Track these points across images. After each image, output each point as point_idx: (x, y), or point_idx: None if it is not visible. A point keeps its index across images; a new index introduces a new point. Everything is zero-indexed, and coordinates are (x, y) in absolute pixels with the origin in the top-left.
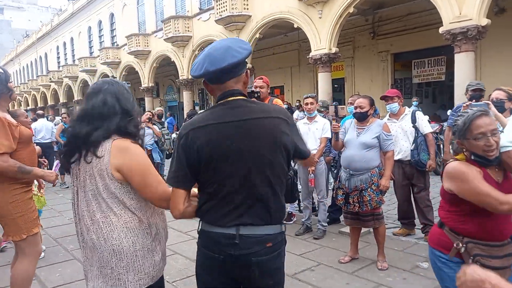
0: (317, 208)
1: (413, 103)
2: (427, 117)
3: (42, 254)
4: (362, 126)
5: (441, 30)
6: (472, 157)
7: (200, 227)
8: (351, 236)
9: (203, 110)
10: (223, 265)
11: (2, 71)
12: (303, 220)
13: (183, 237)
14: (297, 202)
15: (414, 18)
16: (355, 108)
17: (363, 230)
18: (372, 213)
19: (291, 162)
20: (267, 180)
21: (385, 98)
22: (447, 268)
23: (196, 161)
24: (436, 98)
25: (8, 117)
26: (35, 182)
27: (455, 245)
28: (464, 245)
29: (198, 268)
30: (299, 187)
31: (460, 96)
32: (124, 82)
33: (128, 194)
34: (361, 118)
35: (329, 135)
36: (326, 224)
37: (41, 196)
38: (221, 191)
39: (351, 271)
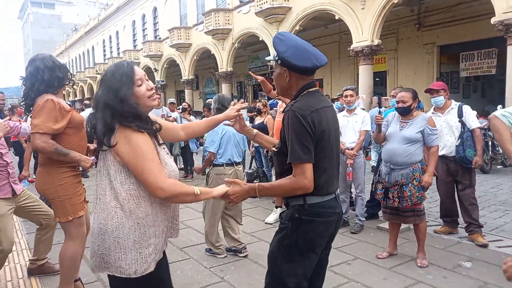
0: (355, 203)
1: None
2: (475, 112)
3: None
4: (406, 120)
5: (493, 20)
6: None
7: (309, 202)
8: (390, 232)
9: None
10: (334, 225)
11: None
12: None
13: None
14: None
15: (463, 8)
16: (397, 102)
17: (403, 226)
18: (412, 209)
19: None
20: (338, 155)
21: (430, 91)
22: None
23: (318, 138)
24: (485, 92)
25: (63, 102)
26: None
27: None
28: None
29: (311, 242)
30: None
31: None
32: (130, 61)
33: (122, 183)
34: (404, 112)
35: (369, 128)
36: (364, 219)
37: None
38: (330, 164)
39: (389, 267)
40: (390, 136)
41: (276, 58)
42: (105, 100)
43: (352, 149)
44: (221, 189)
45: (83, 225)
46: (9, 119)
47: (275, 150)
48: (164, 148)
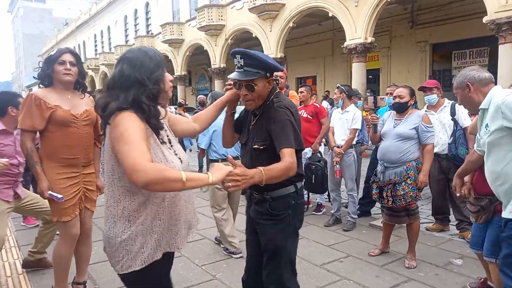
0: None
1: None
2: (467, 111)
3: None
4: (400, 117)
5: (485, 19)
6: None
7: (298, 187)
8: (383, 230)
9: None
10: None
11: (53, 52)
12: (332, 211)
13: (212, 222)
14: (327, 193)
15: (456, 7)
16: (394, 98)
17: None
18: (405, 208)
19: (322, 152)
20: None
21: (423, 89)
22: None
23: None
24: None
25: (53, 97)
26: None
27: None
28: None
29: (298, 222)
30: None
31: None
32: (155, 49)
33: (120, 178)
34: (401, 109)
35: (358, 126)
36: (356, 217)
37: None
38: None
39: (381, 264)
40: (384, 134)
41: (265, 72)
42: (136, 76)
43: (340, 146)
44: (222, 170)
45: (72, 227)
46: None
47: (262, 147)
48: (171, 146)
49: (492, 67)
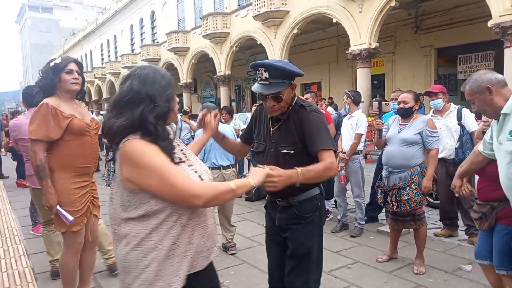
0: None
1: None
2: (473, 115)
3: None
4: (405, 122)
5: (490, 23)
6: None
7: (322, 189)
8: (390, 236)
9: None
10: None
11: (59, 61)
12: (338, 217)
13: (218, 229)
14: (334, 199)
15: (460, 11)
16: (399, 103)
17: (404, 229)
18: (411, 214)
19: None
20: None
21: (429, 94)
22: None
23: None
24: None
25: (65, 106)
26: None
27: None
28: None
29: (323, 224)
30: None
31: None
32: (164, 69)
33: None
34: (405, 114)
35: (361, 131)
36: (363, 223)
37: None
38: None
39: (389, 271)
40: (389, 139)
41: (289, 81)
42: (147, 91)
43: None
44: (261, 173)
45: (80, 236)
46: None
47: (293, 151)
48: (184, 163)
49: (498, 71)
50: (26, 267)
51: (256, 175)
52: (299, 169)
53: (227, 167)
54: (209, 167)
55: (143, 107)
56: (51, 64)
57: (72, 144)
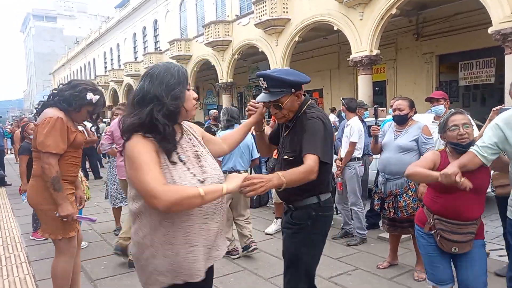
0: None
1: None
2: (474, 121)
3: (85, 243)
4: (401, 129)
5: (490, 30)
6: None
7: (322, 199)
8: (390, 242)
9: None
10: None
11: (97, 101)
12: (341, 224)
13: None
14: (334, 206)
15: (461, 18)
16: (394, 110)
17: (404, 236)
18: (409, 220)
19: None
20: None
21: (430, 100)
22: (421, 238)
23: (331, 141)
24: (485, 101)
25: (69, 121)
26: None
27: (428, 221)
28: (432, 221)
29: (326, 234)
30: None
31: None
32: (181, 65)
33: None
34: (401, 121)
35: (354, 139)
36: (364, 232)
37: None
38: (331, 163)
39: (390, 277)
40: (385, 145)
41: (289, 89)
42: (155, 92)
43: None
44: (237, 178)
45: (73, 240)
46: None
47: (292, 158)
48: (184, 164)
49: (500, 78)
50: (27, 274)
51: (231, 180)
52: (280, 173)
53: (244, 171)
54: (227, 171)
55: (151, 107)
56: (92, 99)
57: (69, 155)
